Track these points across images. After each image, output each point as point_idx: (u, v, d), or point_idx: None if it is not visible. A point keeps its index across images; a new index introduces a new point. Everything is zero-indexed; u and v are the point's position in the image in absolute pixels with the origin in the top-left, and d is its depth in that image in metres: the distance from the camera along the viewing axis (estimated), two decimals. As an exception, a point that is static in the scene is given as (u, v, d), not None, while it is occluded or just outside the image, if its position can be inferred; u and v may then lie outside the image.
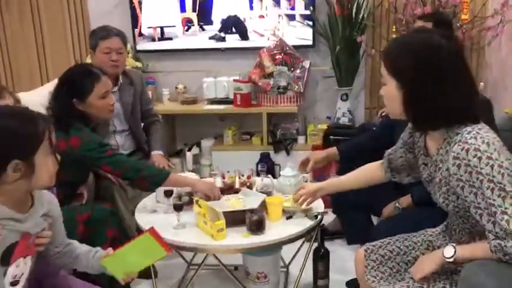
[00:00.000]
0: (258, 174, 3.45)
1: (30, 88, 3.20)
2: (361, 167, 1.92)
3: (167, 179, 2.20)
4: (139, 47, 3.86)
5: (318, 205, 2.22)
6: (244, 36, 3.76)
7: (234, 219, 2.02)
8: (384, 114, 2.81)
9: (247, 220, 1.98)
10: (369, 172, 1.87)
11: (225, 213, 2.02)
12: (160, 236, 1.57)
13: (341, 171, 2.42)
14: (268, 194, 2.29)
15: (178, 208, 2.07)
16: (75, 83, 2.21)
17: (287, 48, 3.61)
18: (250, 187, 2.36)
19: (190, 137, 3.98)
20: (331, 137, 3.44)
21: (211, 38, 3.79)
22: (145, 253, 1.58)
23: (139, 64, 3.76)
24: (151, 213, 2.26)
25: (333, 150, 2.49)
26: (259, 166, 3.54)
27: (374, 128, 2.71)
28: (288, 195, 2.29)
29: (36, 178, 1.39)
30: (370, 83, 3.77)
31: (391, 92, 1.43)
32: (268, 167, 3.52)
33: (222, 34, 3.78)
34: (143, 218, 2.18)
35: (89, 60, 3.07)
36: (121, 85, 2.83)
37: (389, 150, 1.78)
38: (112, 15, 3.82)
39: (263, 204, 2.10)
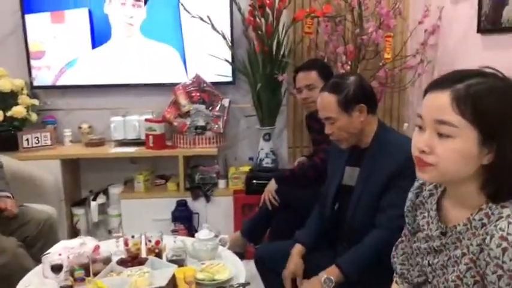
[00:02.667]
0: (174, 224, 3.13)
1: None
2: None
3: None
4: (36, 82, 3.39)
5: (238, 273, 1.92)
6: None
7: (137, 301, 1.67)
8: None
9: (154, 304, 1.63)
10: None
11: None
12: None
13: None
14: (180, 262, 1.95)
15: (66, 291, 1.68)
16: None
17: (205, 85, 3.33)
18: (159, 255, 2.01)
19: (97, 183, 3.55)
20: (254, 181, 3.19)
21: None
22: None
23: (35, 102, 3.30)
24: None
25: (298, 249, 2.04)
26: (175, 215, 3.19)
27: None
28: (204, 262, 1.98)
29: None
30: (293, 122, 3.58)
31: (461, 148, 1.02)
32: (185, 216, 3.18)
33: (133, 68, 3.43)
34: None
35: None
36: None
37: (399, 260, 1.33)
38: (6, 45, 3.36)
39: (173, 280, 1.77)
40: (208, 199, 3.27)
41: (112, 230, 3.25)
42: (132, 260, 1.93)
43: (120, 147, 3.32)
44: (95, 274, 1.87)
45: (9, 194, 2.53)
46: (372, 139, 1.92)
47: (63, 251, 1.98)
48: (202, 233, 2.08)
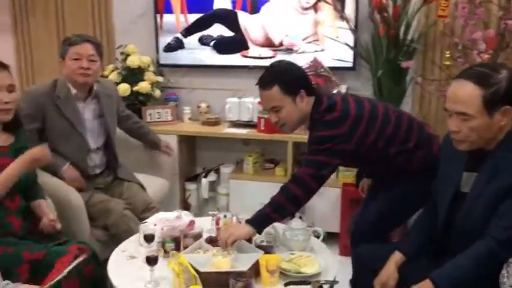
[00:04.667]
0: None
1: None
2: None
3: None
4: (162, 61, 3.56)
5: (328, 269, 1.79)
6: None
7: (219, 282, 1.64)
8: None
9: (230, 286, 1.58)
10: None
11: (205, 274, 1.64)
12: None
13: None
14: (269, 249, 1.88)
15: (151, 262, 1.70)
16: None
17: (322, 69, 3.19)
18: (248, 238, 1.95)
19: (211, 161, 3.63)
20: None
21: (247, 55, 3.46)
22: None
23: (160, 79, 3.46)
24: (129, 260, 1.90)
25: (396, 258, 1.80)
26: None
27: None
28: (294, 252, 1.88)
29: None
30: (419, 115, 3.26)
31: None
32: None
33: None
34: (115, 268, 1.83)
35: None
36: (97, 97, 2.61)
37: None
38: (136, 26, 3.57)
39: (256, 265, 1.70)
40: (315, 188, 3.14)
41: (220, 208, 3.30)
42: (215, 240, 1.89)
43: (233, 128, 3.35)
44: (185, 248, 1.88)
45: None
46: (500, 141, 1.59)
47: (158, 221, 2.03)
48: (295, 222, 1.98)
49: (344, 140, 1.92)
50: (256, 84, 2.00)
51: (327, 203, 3.14)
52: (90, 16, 3.64)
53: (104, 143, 2.65)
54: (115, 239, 2.30)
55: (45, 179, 2.34)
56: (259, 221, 1.92)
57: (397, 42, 2.97)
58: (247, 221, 1.90)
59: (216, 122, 3.45)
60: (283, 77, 1.94)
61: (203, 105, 3.55)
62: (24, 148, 2.06)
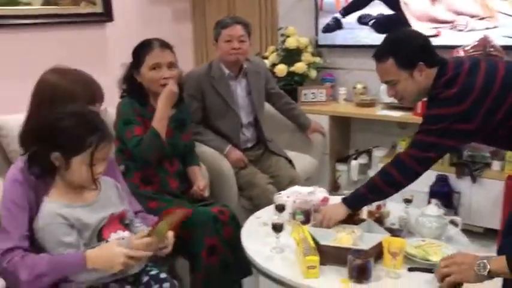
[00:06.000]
0: (428, 202, 2.90)
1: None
2: None
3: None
4: (321, 41, 3.60)
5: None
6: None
7: (338, 257, 1.65)
8: None
9: (348, 263, 1.58)
10: None
11: (325, 248, 1.67)
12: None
13: None
14: (397, 232, 1.81)
15: (277, 229, 1.79)
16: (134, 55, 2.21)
17: (491, 49, 2.86)
18: (379, 219, 1.91)
19: (364, 143, 3.58)
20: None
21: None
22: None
23: (317, 59, 3.51)
24: (260, 226, 2.03)
25: None
26: (433, 189, 2.95)
27: None
28: (425, 239, 1.79)
29: (68, 175, 1.51)
30: None
31: None
32: (444, 193, 2.90)
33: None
34: (248, 232, 1.98)
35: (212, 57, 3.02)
36: (246, 74, 2.76)
37: None
38: (297, 8, 3.67)
39: (379, 246, 1.66)
40: (474, 179, 2.88)
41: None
42: (349, 218, 1.89)
43: (387, 110, 3.24)
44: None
45: None
46: None
47: (292, 194, 2.11)
48: (430, 208, 1.87)
49: (463, 118, 1.67)
50: (372, 56, 1.86)
51: (487, 196, 2.86)
52: (257, 1, 3.85)
53: (254, 118, 2.82)
54: (258, 209, 2.46)
55: (202, 148, 2.61)
56: (355, 201, 1.86)
57: None
58: (343, 200, 1.86)
59: (370, 104, 3.39)
60: (399, 49, 1.78)
61: (359, 86, 3.50)
62: (184, 120, 2.33)
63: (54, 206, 1.50)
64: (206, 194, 2.26)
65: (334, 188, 3.46)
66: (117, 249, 1.47)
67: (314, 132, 3.08)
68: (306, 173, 3.02)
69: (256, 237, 1.92)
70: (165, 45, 2.19)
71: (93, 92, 1.69)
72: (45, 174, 1.52)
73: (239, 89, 2.77)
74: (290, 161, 2.86)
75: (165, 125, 2.11)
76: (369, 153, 3.47)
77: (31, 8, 2.92)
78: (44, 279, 1.44)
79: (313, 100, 3.48)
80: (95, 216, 1.55)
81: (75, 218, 1.50)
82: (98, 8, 3.27)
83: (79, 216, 1.51)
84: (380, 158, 3.29)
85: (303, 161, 3.02)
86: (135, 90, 2.20)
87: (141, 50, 2.17)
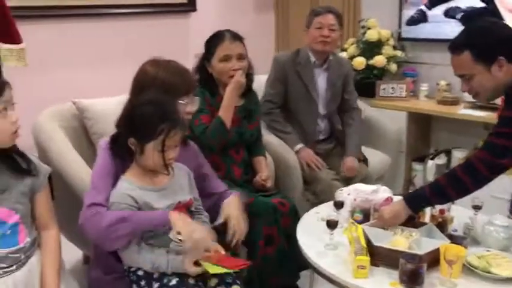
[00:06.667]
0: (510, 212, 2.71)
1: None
2: None
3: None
4: (404, 34, 3.46)
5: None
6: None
7: (391, 259, 1.61)
8: None
9: (400, 266, 1.54)
10: None
11: (378, 249, 1.63)
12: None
13: None
14: (459, 240, 1.72)
15: (331, 225, 1.78)
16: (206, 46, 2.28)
17: None
18: (442, 224, 1.83)
19: (445, 143, 3.40)
20: None
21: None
22: None
23: (398, 53, 3.39)
24: (318, 221, 2.02)
25: None
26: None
27: None
28: (490, 250, 1.68)
29: (142, 160, 1.59)
30: None
31: None
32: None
33: None
34: (304, 225, 1.98)
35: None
36: (330, 66, 2.76)
37: None
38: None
39: (436, 253, 1.59)
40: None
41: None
42: (409, 220, 1.82)
43: (471, 110, 3.05)
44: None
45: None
46: None
47: (353, 192, 2.07)
48: (499, 218, 1.74)
49: None
50: (448, 47, 1.73)
51: None
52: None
53: (330, 110, 2.81)
54: (322, 203, 2.45)
55: (270, 139, 2.64)
56: (417, 202, 1.76)
57: None
58: (404, 199, 1.78)
59: (453, 102, 3.21)
60: (477, 41, 1.64)
61: (443, 82, 3.32)
62: (251, 110, 2.38)
63: (127, 185, 1.59)
64: (268, 184, 2.29)
65: (407, 189, 3.33)
66: (202, 227, 1.59)
67: (346, 167, 2.69)
68: (378, 170, 2.94)
69: (312, 232, 1.91)
70: (236, 37, 2.24)
71: (190, 83, 1.77)
72: (125, 156, 1.62)
73: (321, 79, 2.78)
74: (364, 159, 2.80)
75: (231, 114, 2.17)
76: (448, 153, 3.29)
77: (123, -3, 3.12)
78: (124, 224, 1.49)
79: (392, 95, 3.37)
80: (163, 201, 1.61)
81: (143, 202, 1.58)
82: (183, -1, 3.41)
83: (148, 200, 1.59)
84: (459, 160, 3.11)
85: (374, 157, 2.94)
86: (206, 80, 2.28)
87: (212, 42, 2.24)
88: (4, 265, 1.37)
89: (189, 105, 1.76)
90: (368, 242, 1.64)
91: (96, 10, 3.02)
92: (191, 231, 1.53)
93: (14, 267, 1.39)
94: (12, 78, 1.76)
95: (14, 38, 1.72)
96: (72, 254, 2.41)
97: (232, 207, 1.81)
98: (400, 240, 1.66)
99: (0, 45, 1.70)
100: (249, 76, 2.34)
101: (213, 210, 1.83)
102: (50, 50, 2.90)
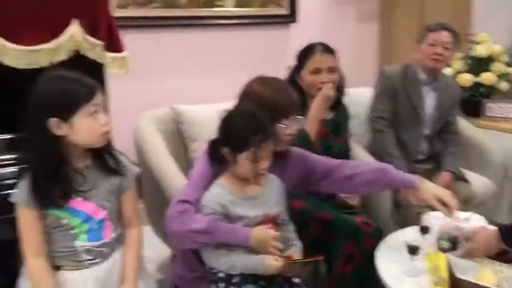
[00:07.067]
0: None
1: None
2: None
3: None
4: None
5: None
6: None
7: (474, 294, 1.48)
8: None
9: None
10: None
11: (461, 282, 1.52)
12: None
13: None
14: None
15: (411, 251, 1.68)
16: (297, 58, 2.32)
17: None
18: None
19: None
20: None
21: None
22: None
23: (510, 70, 3.12)
24: (401, 245, 1.91)
25: None
26: None
27: None
28: None
29: (235, 169, 1.63)
30: None
31: None
32: None
33: None
34: (385, 248, 1.90)
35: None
36: (439, 85, 2.67)
37: None
38: (495, 13, 3.30)
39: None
40: None
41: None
42: (501, 254, 1.66)
43: None
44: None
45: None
46: None
47: (442, 218, 1.93)
48: None
49: None
50: None
51: None
52: (449, 6, 3.57)
53: (434, 132, 2.70)
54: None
55: (358, 154, 2.57)
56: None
57: None
58: (500, 229, 1.60)
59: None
60: None
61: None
62: (340, 123, 2.34)
63: (219, 190, 1.63)
64: (352, 202, 2.23)
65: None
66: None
67: (443, 181, 2.56)
68: (481, 196, 2.72)
69: (393, 256, 1.83)
70: (327, 50, 2.22)
71: (293, 102, 1.77)
72: (221, 163, 1.67)
73: (429, 98, 2.68)
74: (463, 178, 2.64)
75: (316, 125, 2.15)
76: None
77: (224, 9, 3.24)
78: (205, 235, 1.55)
79: (501, 116, 3.13)
80: (251, 211, 1.64)
81: (232, 209, 1.61)
82: (284, 10, 3.45)
83: (237, 207, 1.62)
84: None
85: (477, 182, 2.73)
86: (296, 92, 2.28)
87: (304, 54, 2.25)
88: (89, 257, 1.49)
89: (289, 127, 1.73)
90: (451, 273, 1.53)
91: (197, 21, 3.15)
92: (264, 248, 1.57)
93: (98, 260, 1.50)
94: (118, 85, 1.91)
95: (117, 46, 1.86)
96: (162, 250, 2.53)
97: (431, 188, 1.81)
98: (487, 275, 1.53)
99: (106, 54, 1.84)
100: (340, 89, 2.31)
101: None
102: (155, 58, 3.08)
